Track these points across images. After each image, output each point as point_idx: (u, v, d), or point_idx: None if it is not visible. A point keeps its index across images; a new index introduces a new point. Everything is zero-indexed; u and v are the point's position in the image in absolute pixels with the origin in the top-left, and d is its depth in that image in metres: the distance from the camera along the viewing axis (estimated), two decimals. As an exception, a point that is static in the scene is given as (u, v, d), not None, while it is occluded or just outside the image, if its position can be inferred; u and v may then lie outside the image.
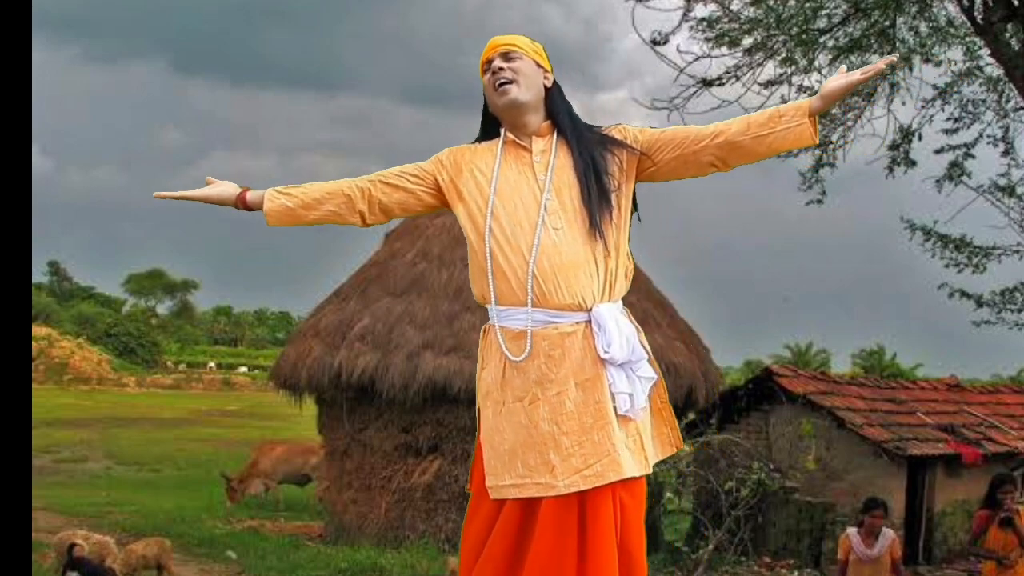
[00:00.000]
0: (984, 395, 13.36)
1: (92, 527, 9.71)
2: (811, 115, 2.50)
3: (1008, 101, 9.58)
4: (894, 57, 2.75)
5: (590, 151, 2.59)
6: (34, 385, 31.50)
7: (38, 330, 40.50)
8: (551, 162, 2.59)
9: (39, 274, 67.08)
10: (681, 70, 8.91)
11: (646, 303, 11.13)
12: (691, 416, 11.21)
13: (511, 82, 2.60)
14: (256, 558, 9.79)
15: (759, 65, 9.04)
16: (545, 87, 2.67)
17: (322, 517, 11.78)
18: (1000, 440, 11.18)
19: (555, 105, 2.67)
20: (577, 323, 2.49)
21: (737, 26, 8.81)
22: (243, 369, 54.40)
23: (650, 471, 2.53)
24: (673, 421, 2.68)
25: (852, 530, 6.75)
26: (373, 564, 9.30)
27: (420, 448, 10.43)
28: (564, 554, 2.39)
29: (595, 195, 2.53)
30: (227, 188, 2.66)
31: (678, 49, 8.89)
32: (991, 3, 8.22)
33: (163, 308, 74.87)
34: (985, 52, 8.94)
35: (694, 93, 8.99)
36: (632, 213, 2.65)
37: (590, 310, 2.49)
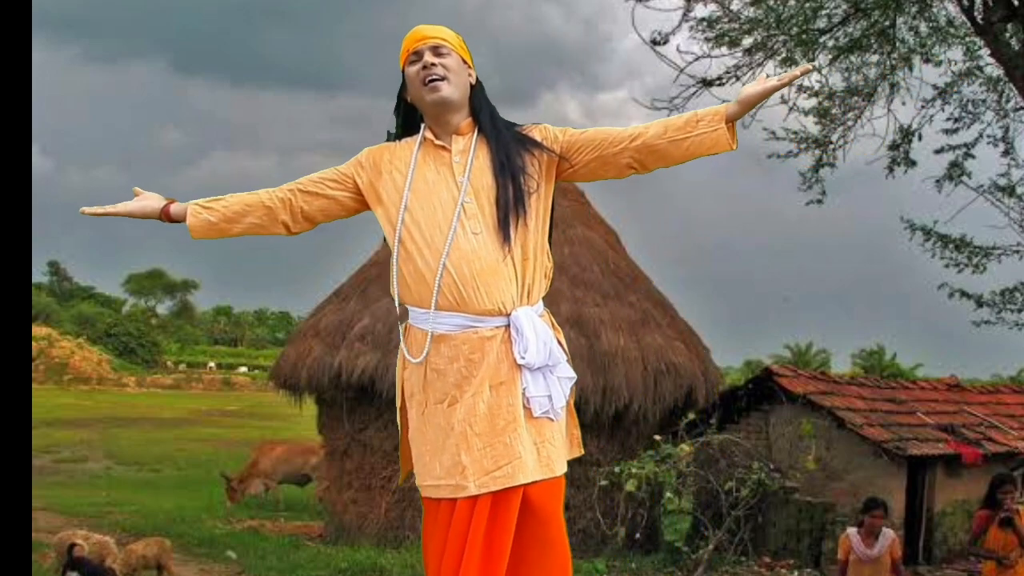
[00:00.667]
0: (984, 395, 13.36)
1: (92, 527, 9.71)
2: (728, 120, 2.50)
3: (1008, 101, 9.58)
4: (811, 66, 2.74)
5: (507, 151, 2.57)
6: (34, 385, 31.49)
7: (38, 330, 40.51)
8: (470, 163, 2.57)
9: (39, 274, 67.12)
10: (681, 70, 8.92)
11: (646, 303, 11.12)
12: (691, 416, 11.21)
13: (442, 79, 2.56)
14: (256, 558, 9.79)
15: (759, 65, 9.03)
16: (470, 84, 2.64)
17: (322, 517, 11.78)
18: (1000, 440, 11.18)
19: (478, 103, 2.64)
20: (496, 328, 2.50)
21: (737, 26, 8.81)
22: (243, 369, 54.40)
23: (563, 472, 2.55)
24: (577, 422, 2.71)
25: (852, 530, 6.75)
26: (373, 564, 9.30)
27: (420, 448, 10.43)
28: (471, 553, 2.41)
29: (510, 196, 2.52)
30: (150, 202, 2.65)
31: (678, 49, 8.90)
32: (991, 3, 8.22)
33: (163, 308, 74.92)
34: (985, 52, 8.94)
35: (694, 93, 9.00)
36: (551, 214, 2.64)
37: (509, 315, 2.50)
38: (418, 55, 2.60)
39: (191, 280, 75.61)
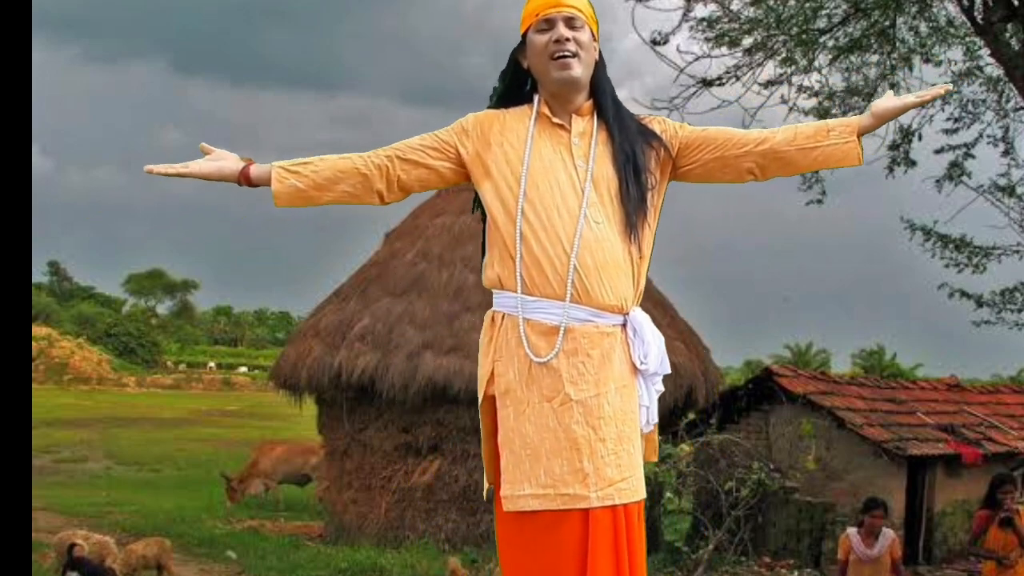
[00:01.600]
0: (984, 395, 13.36)
1: (92, 527, 9.70)
2: (860, 133, 2.37)
3: (1008, 101, 9.58)
4: (950, 86, 2.64)
5: (631, 143, 2.37)
6: (34, 385, 31.48)
7: (38, 330, 40.48)
8: (591, 149, 2.36)
9: (39, 274, 67.10)
10: (681, 70, 8.91)
11: (646, 303, 11.03)
12: (691, 416, 11.21)
13: (574, 56, 2.32)
14: (256, 558, 9.79)
15: (759, 65, 9.04)
16: (595, 61, 2.41)
17: (322, 517, 11.78)
18: (1000, 440, 11.18)
19: (600, 83, 2.42)
20: (615, 325, 2.30)
21: (737, 26, 8.81)
22: (243, 369, 54.38)
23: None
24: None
25: (852, 530, 6.75)
26: (373, 564, 9.30)
27: (420, 448, 10.43)
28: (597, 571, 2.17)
29: (634, 193, 2.33)
30: (227, 163, 2.36)
31: (678, 49, 8.90)
32: (991, 3, 8.22)
33: (163, 308, 74.90)
34: (985, 52, 8.94)
35: (694, 93, 9.00)
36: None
37: (627, 313, 2.32)
38: (549, 23, 2.34)
39: (191, 280, 75.66)
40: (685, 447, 9.71)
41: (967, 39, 9.10)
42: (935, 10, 8.97)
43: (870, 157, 9.68)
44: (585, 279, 2.25)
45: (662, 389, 2.40)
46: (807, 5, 8.63)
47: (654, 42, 8.81)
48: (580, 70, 2.34)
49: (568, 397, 2.23)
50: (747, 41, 8.90)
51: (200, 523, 11.84)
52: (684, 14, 8.75)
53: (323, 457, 11.79)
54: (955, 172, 9.85)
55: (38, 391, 29.60)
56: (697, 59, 8.91)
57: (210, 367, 54.62)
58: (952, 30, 9.04)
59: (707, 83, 8.98)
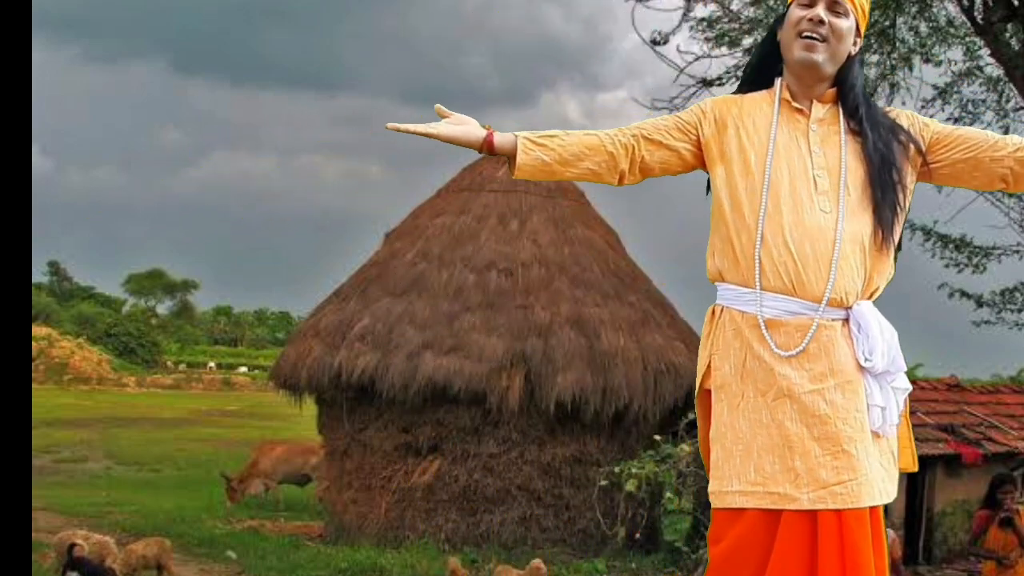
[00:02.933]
0: (984, 395, 13.35)
1: (92, 527, 9.70)
2: None
3: (1008, 101, 9.59)
4: None
5: (885, 142, 2.26)
6: (34, 385, 31.49)
7: (38, 330, 40.48)
8: (827, 136, 2.28)
9: (39, 274, 67.11)
10: (681, 70, 8.93)
11: (646, 303, 11.13)
12: (691, 416, 11.21)
13: (823, 40, 2.23)
14: (256, 558, 9.79)
15: (759, 65, 9.03)
16: (848, 54, 2.31)
17: (322, 517, 11.78)
18: (1000, 440, 11.18)
19: (849, 74, 2.31)
20: (835, 319, 2.19)
21: (737, 26, 8.82)
22: (243, 369, 54.38)
23: (893, 499, 2.26)
24: (911, 437, 2.39)
25: (852, 530, 6.75)
26: (373, 564, 9.30)
27: (420, 448, 10.43)
28: None
29: (877, 182, 2.23)
30: (471, 128, 2.27)
31: (678, 49, 8.91)
32: (991, 3, 8.22)
33: (163, 308, 74.92)
34: (985, 52, 8.94)
35: (694, 93, 9.01)
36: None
37: (850, 307, 2.20)
38: (812, 1, 2.26)
39: (191, 280, 75.67)
40: (685, 447, 9.70)
41: (967, 39, 9.11)
42: (935, 10, 8.98)
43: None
44: (803, 270, 2.16)
45: (907, 387, 2.28)
46: (807, 5, 8.63)
47: (654, 42, 8.83)
48: (824, 56, 2.25)
49: (782, 392, 2.15)
50: (747, 41, 8.91)
51: (200, 523, 11.83)
52: (684, 14, 8.77)
53: (323, 457, 11.79)
54: (955, 172, 9.84)
55: (38, 391, 29.60)
56: (697, 59, 8.94)
57: (210, 367, 54.62)
58: (952, 30, 9.05)
59: (707, 83, 8.99)
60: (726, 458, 2.19)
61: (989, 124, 9.78)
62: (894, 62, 9.11)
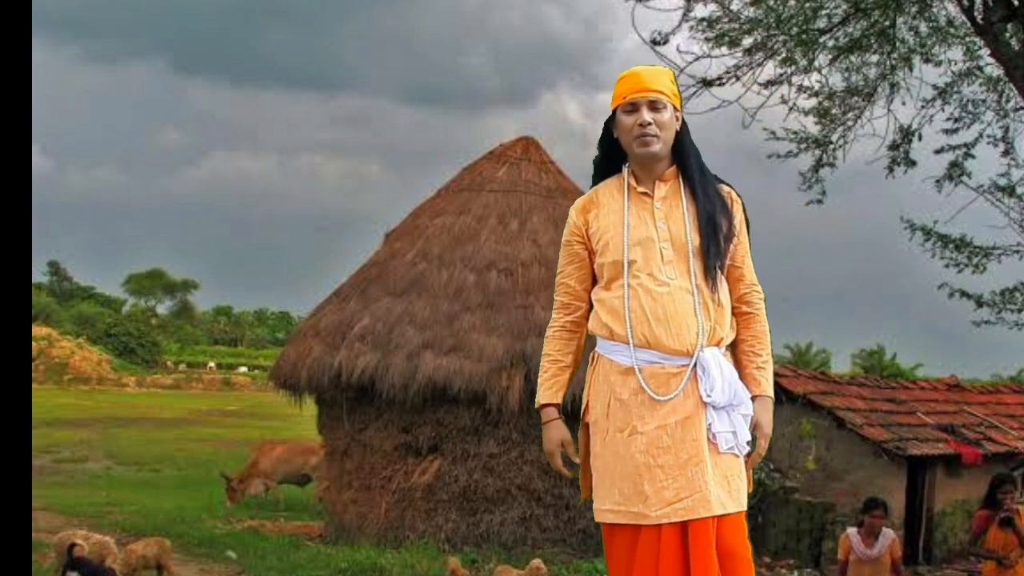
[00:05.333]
0: (984, 395, 13.37)
1: (92, 527, 9.70)
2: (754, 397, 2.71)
3: (1008, 101, 9.57)
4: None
5: (711, 205, 2.70)
6: (34, 385, 31.48)
7: (38, 330, 40.50)
8: (670, 211, 2.71)
9: (39, 274, 67.16)
10: (681, 70, 8.89)
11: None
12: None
13: (655, 136, 2.68)
14: (256, 558, 9.79)
15: (759, 65, 9.02)
16: (677, 131, 2.75)
17: (322, 517, 11.78)
18: (1000, 440, 11.19)
19: (683, 148, 2.75)
20: (682, 366, 2.61)
21: (737, 26, 8.79)
22: (243, 369, 54.42)
23: (744, 508, 2.65)
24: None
25: (852, 530, 6.75)
26: (373, 564, 9.30)
27: (420, 448, 10.43)
28: None
29: (708, 248, 2.66)
30: (564, 435, 2.87)
31: (678, 49, 8.88)
32: (991, 3, 8.21)
33: (163, 308, 74.96)
34: (985, 52, 8.93)
35: (694, 93, 8.97)
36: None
37: (696, 355, 2.61)
38: (634, 107, 2.70)
39: (191, 280, 75.70)
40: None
41: (967, 39, 9.09)
42: (935, 10, 8.96)
43: (870, 157, 9.69)
44: (654, 327, 2.62)
45: (749, 414, 2.68)
46: (807, 5, 8.62)
47: (654, 42, 8.80)
48: (659, 147, 2.69)
49: (635, 429, 2.62)
50: (747, 41, 8.88)
51: (200, 523, 11.83)
52: (684, 14, 8.73)
53: (323, 457, 11.78)
54: (955, 172, 9.83)
55: (38, 391, 29.61)
56: (697, 59, 8.89)
57: (210, 367, 54.65)
58: (952, 30, 9.03)
59: (707, 83, 8.97)
60: (599, 482, 2.71)
61: (989, 124, 9.77)
62: (894, 62, 9.10)
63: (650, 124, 2.66)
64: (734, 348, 2.77)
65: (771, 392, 2.77)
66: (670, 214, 2.70)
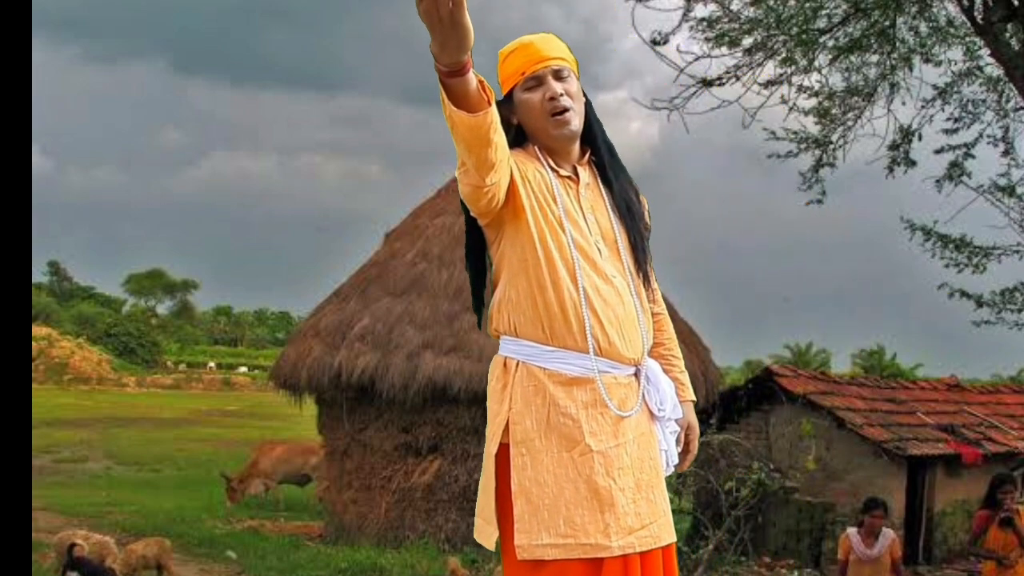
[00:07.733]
0: (984, 395, 13.36)
1: (92, 527, 9.70)
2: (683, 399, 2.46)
3: (1008, 101, 9.57)
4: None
5: (626, 192, 2.38)
6: (34, 385, 31.50)
7: (38, 330, 40.52)
8: (595, 200, 2.35)
9: (39, 274, 67.19)
10: (681, 70, 8.90)
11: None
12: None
13: (571, 109, 2.28)
14: (256, 558, 9.79)
15: (759, 65, 9.03)
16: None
17: (322, 517, 11.78)
18: (1000, 440, 11.18)
19: (591, 128, 2.37)
20: (630, 376, 2.29)
21: (737, 26, 8.80)
22: (243, 369, 54.43)
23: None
24: None
25: (852, 530, 6.75)
26: (373, 564, 9.30)
27: (420, 448, 10.43)
28: None
29: (642, 244, 2.35)
30: (468, 42, 2.03)
31: (678, 49, 8.88)
32: (991, 3, 8.21)
33: (163, 308, 75.00)
34: (985, 52, 8.93)
35: (694, 93, 8.98)
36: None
37: (641, 364, 2.32)
38: (538, 80, 2.27)
39: (191, 280, 75.73)
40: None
41: (967, 39, 9.09)
42: (935, 10, 8.97)
43: (870, 157, 9.69)
44: (608, 332, 2.23)
45: (677, 430, 2.42)
46: (807, 5, 8.63)
47: (654, 42, 8.80)
48: (577, 122, 2.30)
49: (588, 448, 2.19)
50: (747, 41, 8.89)
51: (200, 523, 11.83)
52: (684, 14, 8.73)
53: (323, 457, 11.79)
54: (955, 172, 9.83)
55: (38, 391, 29.63)
56: (697, 59, 8.90)
57: (210, 367, 54.67)
58: (952, 30, 9.04)
59: (707, 83, 8.97)
60: (532, 512, 2.19)
61: (989, 124, 9.77)
62: (894, 62, 9.10)
63: (562, 95, 2.25)
64: (661, 350, 2.50)
65: (693, 396, 2.52)
66: (595, 204, 2.32)
